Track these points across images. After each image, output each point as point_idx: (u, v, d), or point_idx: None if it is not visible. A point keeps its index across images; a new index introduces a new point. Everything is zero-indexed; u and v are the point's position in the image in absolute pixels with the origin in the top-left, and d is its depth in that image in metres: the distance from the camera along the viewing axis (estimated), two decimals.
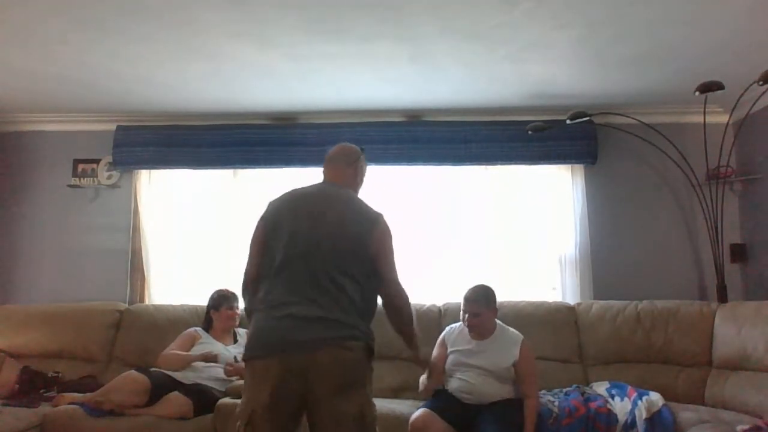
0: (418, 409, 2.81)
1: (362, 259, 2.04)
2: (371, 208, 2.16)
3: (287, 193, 2.20)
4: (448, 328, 3.09)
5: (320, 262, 1.99)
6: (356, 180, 2.31)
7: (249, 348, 2.00)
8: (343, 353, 1.91)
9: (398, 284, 2.10)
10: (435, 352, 3.05)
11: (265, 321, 1.98)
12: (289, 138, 4.11)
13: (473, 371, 2.86)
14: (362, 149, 2.35)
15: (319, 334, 1.90)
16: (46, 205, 4.26)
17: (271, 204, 2.20)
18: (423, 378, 2.68)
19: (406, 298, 2.11)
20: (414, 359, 2.31)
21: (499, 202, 4.08)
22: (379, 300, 2.12)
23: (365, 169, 2.36)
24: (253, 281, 2.10)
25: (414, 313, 2.14)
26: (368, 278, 2.05)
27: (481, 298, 2.92)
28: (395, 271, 2.11)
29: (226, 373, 3.22)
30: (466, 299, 2.93)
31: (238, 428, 1.93)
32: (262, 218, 2.16)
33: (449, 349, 3.00)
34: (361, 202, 2.20)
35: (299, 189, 2.22)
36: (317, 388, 1.88)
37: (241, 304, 3.61)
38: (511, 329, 2.98)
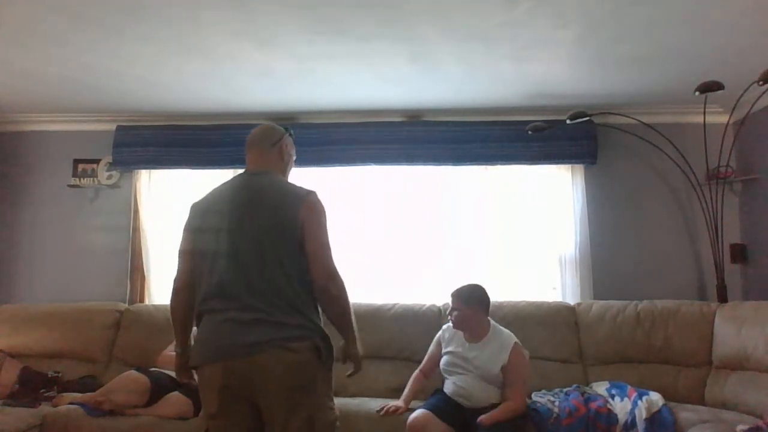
0: (416, 409, 2.81)
1: (294, 244, 1.89)
2: (301, 188, 2.01)
3: (209, 194, 2.08)
4: (444, 327, 3.08)
5: (251, 259, 1.88)
6: (282, 162, 2.14)
7: (194, 356, 1.95)
8: (286, 356, 1.80)
9: (332, 266, 1.90)
10: (430, 350, 3.07)
11: (207, 327, 1.91)
12: None
13: (466, 375, 2.84)
14: (287, 129, 2.20)
15: (260, 337, 1.80)
16: (46, 205, 4.26)
17: (193, 207, 2.09)
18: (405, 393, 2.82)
19: (342, 285, 1.91)
20: (345, 351, 1.99)
21: (499, 202, 4.08)
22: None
23: (293, 151, 2.21)
24: (183, 289, 2.02)
25: (351, 306, 1.95)
26: (305, 263, 1.91)
27: (462, 295, 2.90)
28: (328, 252, 1.91)
29: None
30: (451, 294, 2.94)
31: None
32: (186, 224, 2.06)
33: (443, 350, 2.99)
34: (287, 184, 2.06)
35: (220, 187, 2.08)
36: (261, 392, 1.82)
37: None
38: (506, 331, 2.93)
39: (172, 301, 2.07)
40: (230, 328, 1.85)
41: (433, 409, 2.76)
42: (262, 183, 2.02)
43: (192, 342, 2.07)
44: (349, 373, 2.04)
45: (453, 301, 2.91)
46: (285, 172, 2.16)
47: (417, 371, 3.09)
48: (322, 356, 1.87)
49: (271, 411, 1.83)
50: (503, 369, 2.79)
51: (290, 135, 2.21)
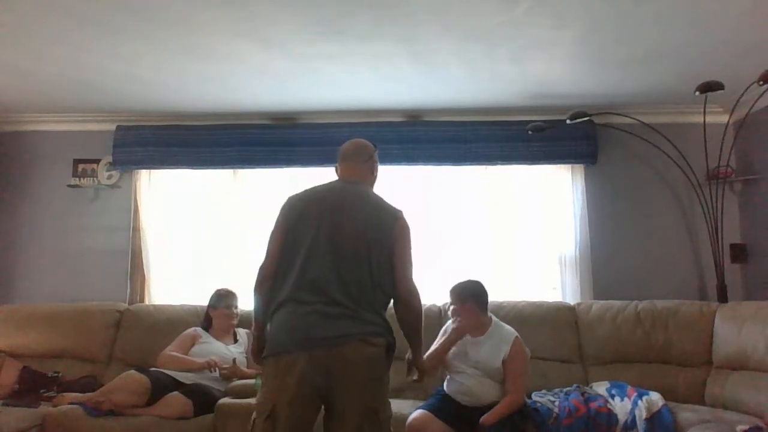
0: (415, 410, 2.80)
1: (384, 256, 2.06)
2: (391, 205, 2.18)
3: (308, 190, 2.22)
4: (450, 321, 3.04)
5: (344, 259, 2.02)
6: (372, 176, 2.33)
7: (275, 343, 2.01)
8: (367, 349, 1.95)
9: (413, 282, 2.10)
10: (438, 340, 3.00)
11: (292, 317, 1.99)
12: (289, 138, 4.11)
13: (468, 372, 2.82)
14: (375, 145, 2.37)
15: (346, 330, 1.94)
16: (46, 205, 4.26)
17: (290, 199, 2.20)
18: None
19: (420, 299, 2.11)
20: (414, 363, 2.28)
21: (500, 202, 4.08)
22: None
23: (378, 165, 2.37)
24: (270, 277, 2.10)
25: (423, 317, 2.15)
26: (389, 275, 2.07)
27: (459, 290, 2.90)
28: (411, 269, 2.11)
29: (222, 376, 3.21)
30: (450, 290, 2.93)
31: (254, 422, 1.96)
32: (282, 214, 2.16)
33: None
34: (380, 198, 2.21)
35: (319, 186, 2.23)
36: (339, 383, 1.92)
37: (249, 302, 3.69)
38: (507, 327, 2.93)
39: (258, 287, 2.13)
40: (317, 320, 1.95)
41: (433, 409, 2.75)
42: (360, 193, 2.19)
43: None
44: (415, 378, 2.31)
45: (451, 297, 2.89)
46: (373, 185, 2.33)
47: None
48: (391, 354, 2.05)
49: (344, 401, 1.93)
50: (504, 362, 2.78)
51: (377, 151, 2.37)
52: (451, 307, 2.91)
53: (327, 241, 2.04)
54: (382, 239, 2.07)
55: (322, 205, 2.12)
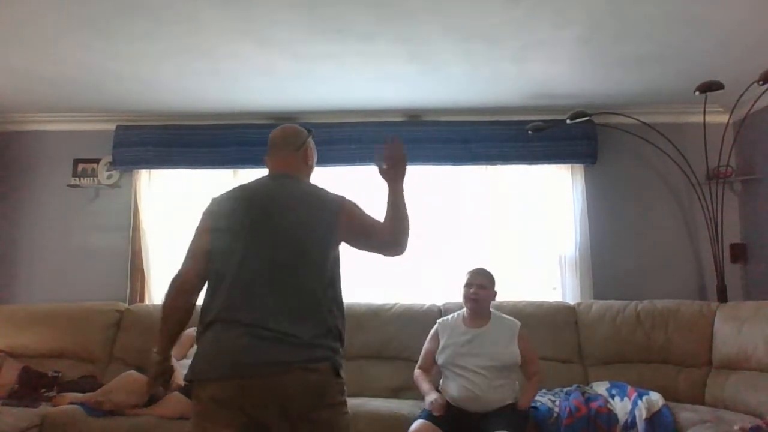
0: (415, 419, 2.71)
1: (331, 252, 1.83)
2: (331, 193, 1.92)
3: (234, 189, 1.93)
4: (440, 321, 3.00)
5: (281, 269, 1.75)
6: (307, 165, 2.03)
7: (198, 368, 1.71)
8: (308, 376, 1.66)
9: (384, 224, 1.91)
10: (426, 346, 2.97)
11: (220, 338, 1.70)
12: None
13: (473, 371, 2.74)
14: (309, 130, 2.07)
15: (285, 356, 1.65)
16: (46, 205, 4.26)
17: (215, 201, 1.92)
18: (428, 398, 2.71)
19: (403, 220, 1.93)
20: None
21: (500, 202, 4.08)
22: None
23: (314, 152, 2.08)
24: (190, 291, 1.84)
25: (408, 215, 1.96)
26: (336, 280, 1.84)
27: (487, 273, 2.94)
28: (377, 220, 1.91)
29: None
30: (473, 272, 2.92)
31: None
32: (206, 219, 1.88)
33: (443, 344, 2.87)
34: (318, 189, 1.94)
35: (247, 185, 1.96)
36: (279, 415, 1.65)
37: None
38: (507, 316, 2.95)
39: (171, 300, 1.85)
40: (250, 343, 1.67)
41: (433, 418, 2.65)
42: (293, 187, 1.92)
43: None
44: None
45: (478, 278, 2.89)
46: (309, 175, 2.05)
47: (417, 369, 2.96)
48: (340, 373, 1.76)
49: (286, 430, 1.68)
50: (519, 343, 2.84)
51: (312, 136, 2.08)
52: (471, 289, 2.86)
53: (262, 248, 1.76)
54: (326, 235, 1.81)
55: (252, 207, 1.84)
